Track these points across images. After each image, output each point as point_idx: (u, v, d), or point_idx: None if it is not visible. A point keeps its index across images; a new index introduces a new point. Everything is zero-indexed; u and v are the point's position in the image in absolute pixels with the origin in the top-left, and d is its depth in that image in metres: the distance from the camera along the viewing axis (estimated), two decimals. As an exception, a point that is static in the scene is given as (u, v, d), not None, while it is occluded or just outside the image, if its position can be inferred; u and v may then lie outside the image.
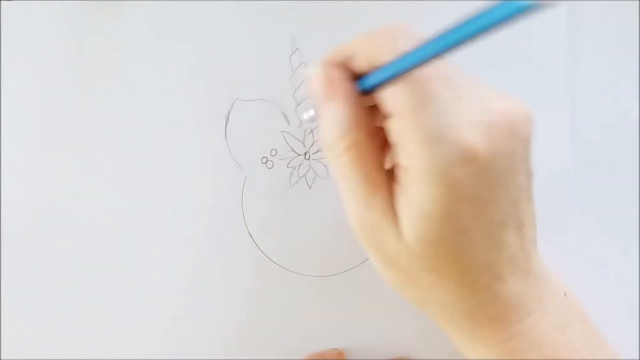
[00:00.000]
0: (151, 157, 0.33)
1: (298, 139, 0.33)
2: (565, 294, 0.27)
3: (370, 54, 0.23)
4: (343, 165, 0.24)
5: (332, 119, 0.23)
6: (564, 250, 0.33)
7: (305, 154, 0.33)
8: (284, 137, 0.32)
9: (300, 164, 0.33)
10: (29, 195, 0.32)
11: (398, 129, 0.22)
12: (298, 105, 0.32)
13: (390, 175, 0.24)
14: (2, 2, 0.32)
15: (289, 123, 0.32)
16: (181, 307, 0.32)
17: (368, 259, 0.33)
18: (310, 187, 0.33)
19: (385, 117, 0.23)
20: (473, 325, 0.25)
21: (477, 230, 0.23)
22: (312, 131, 0.33)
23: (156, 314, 0.33)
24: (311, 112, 0.26)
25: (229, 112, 0.33)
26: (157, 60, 0.33)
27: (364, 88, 0.23)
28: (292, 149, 0.33)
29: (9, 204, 0.32)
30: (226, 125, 0.32)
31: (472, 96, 0.23)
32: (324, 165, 0.33)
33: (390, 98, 0.22)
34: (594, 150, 0.34)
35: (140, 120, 0.33)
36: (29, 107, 0.32)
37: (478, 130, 0.22)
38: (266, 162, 0.32)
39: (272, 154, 0.33)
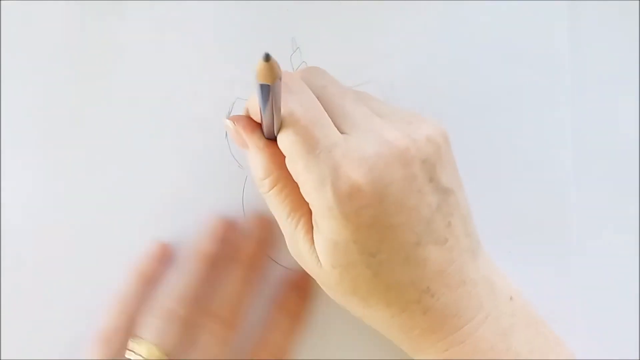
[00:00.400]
0: (151, 157, 0.33)
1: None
2: (511, 298, 0.27)
3: (252, 107, 0.26)
4: (271, 201, 0.27)
5: (253, 163, 0.27)
6: (564, 250, 0.33)
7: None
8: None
9: (301, 163, 0.33)
10: (29, 195, 0.32)
11: (292, 171, 0.25)
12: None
13: None
14: (2, 2, 0.32)
15: (289, 122, 0.32)
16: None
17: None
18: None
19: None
20: (410, 338, 0.26)
21: (388, 253, 0.24)
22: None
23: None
24: None
25: (229, 112, 0.33)
26: (157, 60, 0.33)
27: (268, 137, 0.26)
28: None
29: (9, 204, 0.32)
30: (227, 124, 0.32)
31: (361, 130, 0.25)
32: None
33: (281, 144, 0.25)
34: (594, 150, 0.34)
35: (140, 120, 0.33)
36: (29, 107, 0.32)
37: (361, 165, 0.24)
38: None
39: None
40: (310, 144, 0.24)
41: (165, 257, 0.31)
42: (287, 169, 0.25)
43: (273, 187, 0.26)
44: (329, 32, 0.33)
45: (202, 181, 0.33)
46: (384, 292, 0.25)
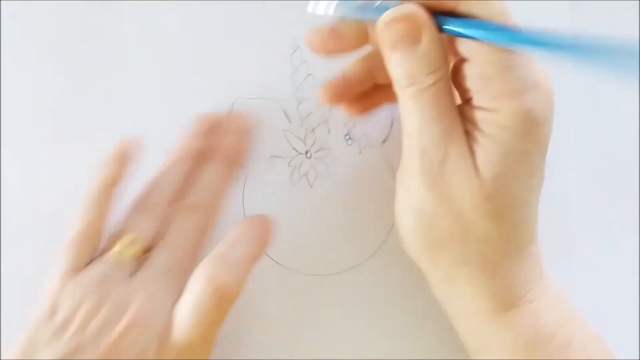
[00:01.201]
0: (151, 156, 0.33)
1: (299, 138, 0.33)
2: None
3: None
4: (428, 98, 0.24)
5: (422, 56, 0.24)
6: (564, 250, 0.33)
7: (307, 152, 0.33)
8: (285, 135, 0.32)
9: (302, 163, 0.33)
10: (29, 195, 0.32)
11: (487, 75, 0.23)
12: (299, 104, 0.32)
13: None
14: (1, 2, 0.32)
15: (290, 122, 0.32)
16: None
17: (369, 257, 0.33)
18: (311, 186, 0.33)
19: (461, 59, 0.25)
20: (507, 285, 0.26)
21: (538, 179, 0.25)
22: (313, 130, 0.33)
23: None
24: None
25: (229, 111, 0.33)
26: (157, 60, 0.33)
27: (441, 27, 0.24)
28: (293, 147, 0.33)
29: (9, 204, 0.32)
30: (227, 124, 0.32)
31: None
32: (325, 164, 0.33)
33: (482, 52, 0.23)
34: (595, 150, 0.34)
35: (140, 119, 0.33)
36: (28, 107, 0.32)
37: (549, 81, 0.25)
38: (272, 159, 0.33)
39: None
40: (515, 62, 0.23)
41: (128, 155, 0.31)
42: (447, 69, 0.25)
43: (436, 83, 0.24)
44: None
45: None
46: (517, 225, 0.25)
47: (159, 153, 0.32)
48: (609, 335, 0.27)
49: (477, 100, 0.24)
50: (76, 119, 0.32)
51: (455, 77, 0.25)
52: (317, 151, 0.33)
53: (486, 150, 0.24)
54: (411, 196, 0.25)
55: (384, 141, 0.32)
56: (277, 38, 0.33)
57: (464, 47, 0.24)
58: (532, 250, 0.26)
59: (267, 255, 0.32)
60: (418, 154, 0.24)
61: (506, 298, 0.26)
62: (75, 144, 0.32)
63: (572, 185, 0.34)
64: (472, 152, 0.24)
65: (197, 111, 0.32)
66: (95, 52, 0.33)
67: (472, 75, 0.24)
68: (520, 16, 0.33)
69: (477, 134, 0.24)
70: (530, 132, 0.24)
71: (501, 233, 0.25)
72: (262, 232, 0.30)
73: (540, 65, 0.24)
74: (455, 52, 0.25)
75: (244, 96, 0.32)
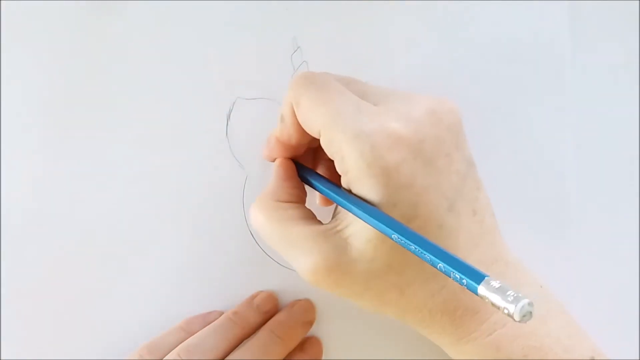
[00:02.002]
0: (152, 156, 0.33)
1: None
2: (541, 286, 0.27)
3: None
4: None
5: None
6: (564, 250, 0.33)
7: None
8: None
9: (302, 163, 0.33)
10: (29, 195, 0.32)
11: (327, 143, 0.25)
12: None
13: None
14: (1, 2, 0.32)
15: (290, 122, 0.32)
16: (182, 307, 0.32)
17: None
18: (311, 186, 0.33)
19: (315, 147, 0.27)
20: (453, 321, 0.25)
21: (423, 219, 0.24)
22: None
23: (157, 314, 0.32)
24: None
25: (229, 111, 0.33)
26: (157, 60, 0.33)
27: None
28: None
29: (9, 203, 0.32)
30: (227, 124, 0.32)
31: (389, 100, 0.25)
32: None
33: (311, 124, 0.25)
34: (594, 150, 0.34)
35: (140, 119, 0.33)
36: (29, 107, 0.32)
37: (399, 119, 0.24)
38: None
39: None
40: (342, 109, 0.24)
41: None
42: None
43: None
44: (329, 32, 0.33)
45: (203, 181, 0.32)
46: (420, 262, 0.23)
47: (159, 153, 0.32)
48: (609, 336, 0.27)
49: (336, 168, 0.25)
50: (76, 119, 0.32)
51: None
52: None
53: (354, 220, 0.25)
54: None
55: None
56: (277, 38, 0.33)
57: (309, 126, 0.26)
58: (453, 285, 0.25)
59: (267, 255, 0.33)
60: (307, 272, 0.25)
61: (458, 333, 0.25)
62: (75, 144, 0.32)
63: (572, 184, 0.34)
64: (342, 241, 0.25)
65: (197, 111, 0.33)
66: (95, 52, 0.32)
67: (325, 146, 0.25)
68: (520, 16, 0.34)
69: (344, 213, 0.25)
70: (387, 176, 0.24)
71: (414, 273, 0.24)
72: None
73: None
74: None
75: (244, 96, 0.32)
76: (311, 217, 0.27)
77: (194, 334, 0.30)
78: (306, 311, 0.32)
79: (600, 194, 0.34)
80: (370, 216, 0.23)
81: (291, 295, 0.33)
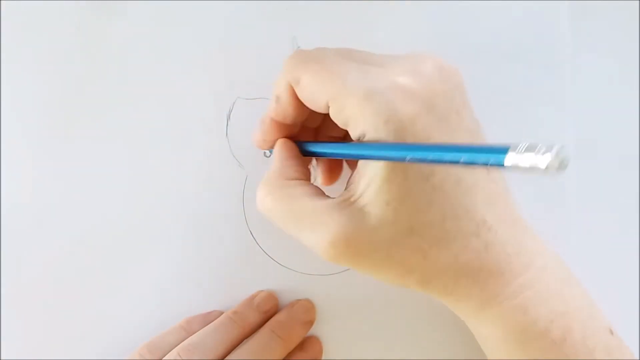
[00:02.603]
0: (152, 156, 0.33)
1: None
2: (556, 253, 0.26)
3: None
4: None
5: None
6: (564, 249, 0.33)
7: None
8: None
9: (302, 163, 0.33)
10: (29, 195, 0.32)
11: (338, 111, 0.24)
12: None
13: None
14: (2, 2, 0.32)
15: (290, 122, 0.32)
16: (182, 307, 0.32)
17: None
18: (311, 186, 0.33)
19: (323, 119, 0.26)
20: (477, 284, 0.24)
21: (442, 172, 0.23)
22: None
23: (157, 314, 0.32)
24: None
25: (230, 111, 0.33)
26: (157, 60, 0.33)
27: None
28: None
29: (9, 203, 0.32)
30: (227, 123, 0.32)
31: (394, 60, 0.25)
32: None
33: (317, 99, 0.25)
34: (594, 150, 0.34)
35: (140, 119, 0.33)
36: (29, 107, 0.32)
37: (409, 75, 0.24)
38: (270, 156, 0.32)
39: (267, 154, 0.33)
40: (344, 75, 0.24)
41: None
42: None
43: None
44: (329, 32, 0.33)
45: (203, 181, 0.33)
46: (441, 222, 0.23)
47: (159, 153, 0.32)
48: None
49: (351, 135, 0.25)
50: (76, 119, 0.32)
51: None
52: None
53: (370, 182, 0.24)
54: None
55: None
56: (277, 38, 0.32)
57: (316, 102, 0.25)
58: (490, 239, 0.24)
59: (267, 255, 0.33)
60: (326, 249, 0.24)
61: (482, 297, 0.24)
62: (75, 144, 0.32)
63: (572, 184, 0.34)
64: (357, 210, 0.24)
65: (197, 111, 0.33)
66: (95, 52, 0.33)
67: (336, 116, 0.25)
68: (520, 16, 0.34)
69: (359, 178, 0.24)
70: (401, 131, 0.23)
71: (435, 235, 0.23)
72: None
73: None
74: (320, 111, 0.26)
75: (244, 96, 0.32)
76: (321, 193, 0.26)
77: (194, 334, 0.30)
78: (306, 311, 0.32)
79: (600, 194, 0.34)
80: (385, 150, 0.22)
81: (291, 295, 0.33)
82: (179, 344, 0.30)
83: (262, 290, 0.32)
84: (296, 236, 0.25)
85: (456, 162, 0.20)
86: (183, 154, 0.33)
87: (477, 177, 0.24)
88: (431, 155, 0.21)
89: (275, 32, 0.33)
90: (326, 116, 0.26)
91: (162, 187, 0.32)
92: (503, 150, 0.18)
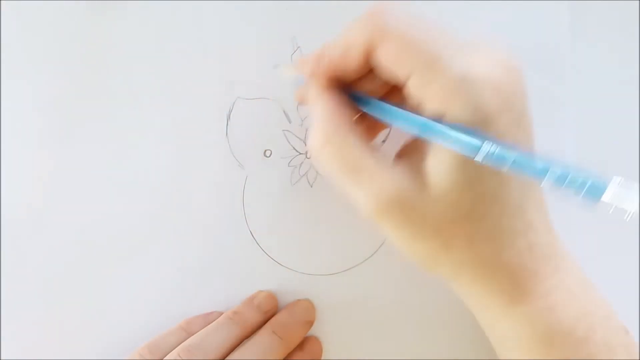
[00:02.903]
0: (152, 156, 0.33)
1: (299, 138, 0.33)
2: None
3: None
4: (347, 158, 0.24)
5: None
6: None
7: (307, 152, 0.33)
8: (285, 135, 0.32)
9: (302, 163, 0.33)
10: (29, 195, 0.32)
11: (421, 86, 0.23)
12: (299, 104, 0.32)
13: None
14: (1, 2, 0.32)
15: (290, 122, 0.32)
16: (182, 307, 0.32)
17: (370, 257, 0.33)
18: (311, 186, 0.33)
19: (392, 84, 0.25)
20: (512, 281, 0.24)
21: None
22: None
23: (157, 314, 0.32)
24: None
25: (230, 111, 0.33)
26: (157, 60, 0.33)
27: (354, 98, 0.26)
28: (293, 147, 0.33)
29: (9, 203, 0.32)
30: (227, 123, 0.32)
31: (481, 45, 0.24)
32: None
33: (400, 68, 0.23)
34: (594, 150, 0.34)
35: (140, 119, 0.33)
36: (29, 107, 0.32)
37: (499, 66, 0.23)
38: (270, 156, 0.32)
39: (267, 154, 0.33)
40: (446, 52, 0.23)
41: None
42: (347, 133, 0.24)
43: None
44: (329, 32, 0.33)
45: (203, 181, 0.33)
46: (498, 217, 0.23)
47: (159, 153, 0.32)
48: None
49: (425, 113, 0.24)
50: (76, 119, 0.32)
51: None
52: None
53: (439, 161, 0.23)
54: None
55: (383, 141, 0.32)
56: (277, 38, 0.32)
57: (399, 69, 0.24)
58: (534, 241, 0.24)
59: (267, 255, 0.33)
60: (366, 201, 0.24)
61: (514, 294, 0.24)
62: (74, 144, 0.32)
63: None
64: (420, 175, 0.24)
65: (197, 111, 0.33)
66: (95, 52, 0.32)
67: (415, 89, 0.24)
68: (520, 16, 0.34)
69: (428, 152, 0.24)
70: (485, 122, 0.22)
71: (488, 226, 0.24)
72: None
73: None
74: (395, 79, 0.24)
75: (244, 96, 0.32)
76: (378, 147, 0.25)
77: (194, 334, 0.30)
78: (306, 311, 0.32)
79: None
80: (463, 132, 0.22)
81: (291, 295, 0.33)
82: (179, 345, 0.30)
83: (262, 291, 0.32)
84: (348, 188, 0.24)
85: (542, 175, 0.20)
86: (183, 154, 0.33)
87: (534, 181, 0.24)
88: (515, 153, 0.21)
89: (275, 32, 0.33)
90: (370, 71, 0.25)
91: (162, 187, 0.32)
92: (602, 183, 0.18)
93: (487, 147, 0.21)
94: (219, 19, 0.33)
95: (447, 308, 0.33)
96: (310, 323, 0.32)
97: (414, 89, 0.23)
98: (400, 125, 0.24)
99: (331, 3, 0.33)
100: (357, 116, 0.27)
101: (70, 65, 0.32)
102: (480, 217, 0.23)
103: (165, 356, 0.29)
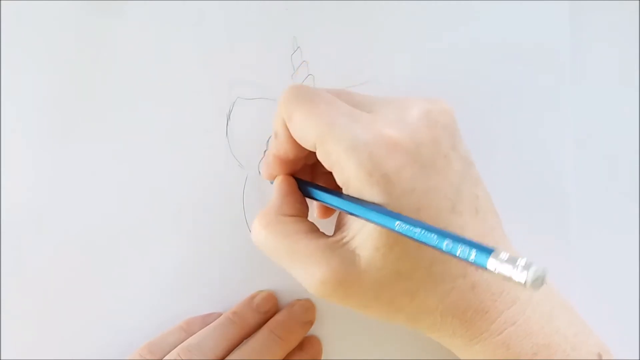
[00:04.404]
0: (152, 156, 0.33)
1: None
2: (546, 283, 0.26)
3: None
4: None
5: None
6: (564, 250, 0.33)
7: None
8: (285, 136, 0.32)
9: (302, 163, 0.33)
10: (29, 194, 0.32)
11: (324, 155, 0.25)
12: None
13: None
14: (1, 2, 0.32)
15: (290, 122, 0.32)
16: (182, 307, 0.32)
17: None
18: (311, 186, 0.33)
19: (312, 163, 0.27)
20: (463, 323, 0.25)
21: (429, 221, 0.23)
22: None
23: (156, 314, 0.32)
24: None
25: (230, 111, 0.33)
26: (157, 60, 0.33)
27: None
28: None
29: (9, 203, 0.32)
30: (227, 123, 0.32)
31: (382, 106, 0.25)
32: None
33: (306, 138, 0.25)
34: (594, 150, 0.34)
35: (141, 119, 0.33)
36: (29, 107, 0.32)
37: (394, 125, 0.24)
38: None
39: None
40: (339, 120, 0.24)
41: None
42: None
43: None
44: (329, 32, 0.33)
45: (202, 181, 0.33)
46: (429, 266, 0.24)
47: (159, 153, 0.33)
48: (609, 335, 0.27)
49: (336, 181, 0.25)
50: (76, 119, 0.32)
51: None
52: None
53: (358, 231, 0.25)
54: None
55: None
56: (277, 38, 0.33)
57: (304, 141, 0.26)
58: (476, 279, 0.25)
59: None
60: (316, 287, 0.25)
61: (468, 335, 0.25)
62: (74, 144, 0.32)
63: (572, 184, 0.34)
64: (348, 253, 0.25)
65: (197, 111, 0.33)
66: (95, 52, 0.33)
67: (323, 160, 0.25)
68: (520, 16, 0.34)
69: (347, 227, 0.25)
70: (388, 183, 0.24)
71: (423, 278, 0.24)
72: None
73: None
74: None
75: (244, 96, 0.33)
76: (316, 231, 0.27)
77: (194, 335, 0.30)
78: (306, 311, 0.32)
79: (600, 194, 0.34)
80: (376, 212, 0.23)
81: (291, 295, 0.33)
82: (179, 345, 0.30)
83: (261, 291, 0.32)
84: (288, 271, 0.26)
85: (439, 247, 0.21)
86: (183, 154, 0.33)
87: (466, 219, 0.25)
88: (418, 229, 0.21)
89: (275, 32, 0.33)
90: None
91: (162, 187, 0.32)
92: (486, 252, 0.19)
93: (398, 226, 0.22)
94: (219, 19, 0.33)
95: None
96: (310, 323, 0.32)
97: (321, 158, 0.25)
98: (332, 206, 0.26)
99: (331, 3, 0.33)
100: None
101: (70, 65, 0.32)
102: (410, 272, 0.24)
103: (165, 356, 0.29)
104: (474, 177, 0.26)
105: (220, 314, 0.32)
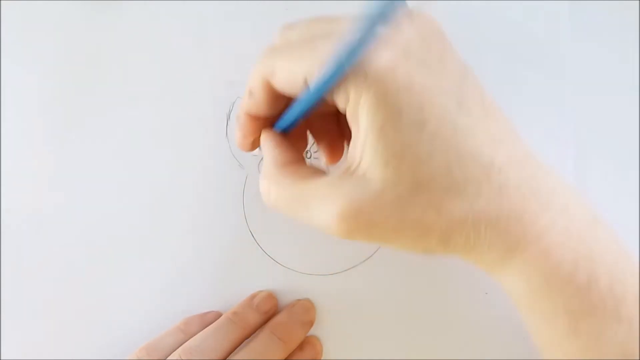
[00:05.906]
0: (152, 156, 0.33)
1: (299, 138, 0.33)
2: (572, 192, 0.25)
3: (289, 73, 0.24)
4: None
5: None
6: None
7: (306, 152, 0.33)
8: (285, 135, 0.32)
9: (302, 163, 0.33)
10: (29, 195, 0.32)
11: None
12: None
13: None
14: (1, 2, 0.32)
15: (290, 122, 0.32)
16: (181, 307, 0.32)
17: (369, 257, 0.33)
18: (311, 186, 0.33)
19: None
20: (499, 232, 0.22)
21: (435, 119, 0.22)
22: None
23: (156, 314, 0.32)
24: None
25: (230, 111, 0.33)
26: (157, 59, 0.33)
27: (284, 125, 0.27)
28: (293, 147, 0.33)
29: (9, 203, 0.32)
30: (227, 123, 0.33)
31: None
32: (324, 163, 0.33)
33: (294, 79, 0.23)
34: (595, 150, 0.34)
35: (140, 119, 0.33)
36: (29, 107, 0.32)
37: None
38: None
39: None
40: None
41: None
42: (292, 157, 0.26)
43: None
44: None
45: (203, 181, 0.33)
46: (447, 171, 0.21)
47: (159, 153, 0.33)
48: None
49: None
50: (76, 119, 0.32)
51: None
52: (316, 151, 0.33)
53: (357, 147, 0.23)
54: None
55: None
56: (277, 38, 0.33)
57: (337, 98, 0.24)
58: (503, 181, 0.22)
59: (267, 255, 0.33)
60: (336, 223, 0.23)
61: (505, 246, 0.23)
62: (74, 144, 0.32)
63: (572, 184, 0.34)
64: (365, 175, 0.23)
65: (197, 111, 0.33)
66: (94, 52, 0.33)
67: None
68: (520, 16, 0.34)
69: (362, 142, 0.23)
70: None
71: (447, 182, 0.22)
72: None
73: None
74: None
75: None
76: (320, 171, 0.25)
77: (192, 335, 0.30)
78: (306, 311, 0.32)
79: (600, 194, 0.34)
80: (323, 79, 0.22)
81: (291, 295, 0.33)
82: (177, 346, 0.30)
83: (261, 291, 0.32)
84: (308, 220, 0.24)
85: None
86: (183, 154, 0.33)
87: (476, 118, 0.23)
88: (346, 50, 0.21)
89: (275, 32, 0.33)
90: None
91: (162, 187, 0.33)
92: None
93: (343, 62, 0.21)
94: (219, 19, 0.33)
95: (446, 308, 0.32)
96: (310, 323, 0.32)
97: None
98: (308, 107, 0.24)
99: (331, 3, 0.33)
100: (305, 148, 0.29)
101: (70, 65, 0.32)
102: (429, 181, 0.22)
103: (163, 357, 0.29)
104: (475, 81, 0.24)
105: (217, 312, 0.32)
